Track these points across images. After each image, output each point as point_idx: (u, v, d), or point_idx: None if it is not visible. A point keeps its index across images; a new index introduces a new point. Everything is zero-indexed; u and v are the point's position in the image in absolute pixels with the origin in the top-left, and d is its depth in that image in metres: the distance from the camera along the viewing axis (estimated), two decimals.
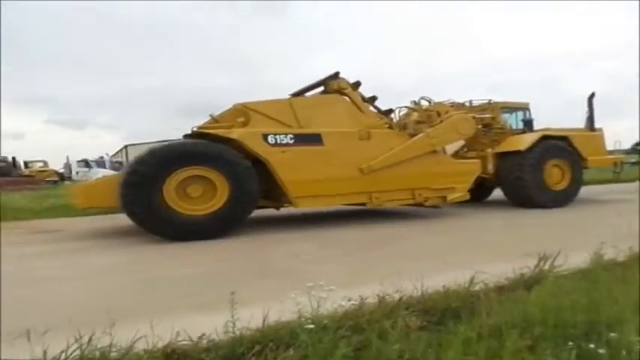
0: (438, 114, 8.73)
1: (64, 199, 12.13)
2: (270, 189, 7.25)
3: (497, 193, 10.51)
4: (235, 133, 6.77)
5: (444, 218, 8.23)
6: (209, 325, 2.33)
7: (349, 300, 2.64)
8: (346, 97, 7.93)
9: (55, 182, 26.91)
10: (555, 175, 9.65)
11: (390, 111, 8.84)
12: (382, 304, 2.63)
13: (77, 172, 31.48)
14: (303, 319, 2.22)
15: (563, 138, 9.95)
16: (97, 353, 2.06)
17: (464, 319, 2.34)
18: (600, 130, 10.77)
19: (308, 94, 8.49)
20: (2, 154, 28.77)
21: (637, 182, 13.33)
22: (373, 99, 8.47)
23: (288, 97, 8.07)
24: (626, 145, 21.05)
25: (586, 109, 10.70)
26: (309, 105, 7.73)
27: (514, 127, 10.99)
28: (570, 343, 1.93)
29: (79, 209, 10.01)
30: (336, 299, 2.61)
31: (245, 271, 4.50)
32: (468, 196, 8.54)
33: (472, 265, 3.24)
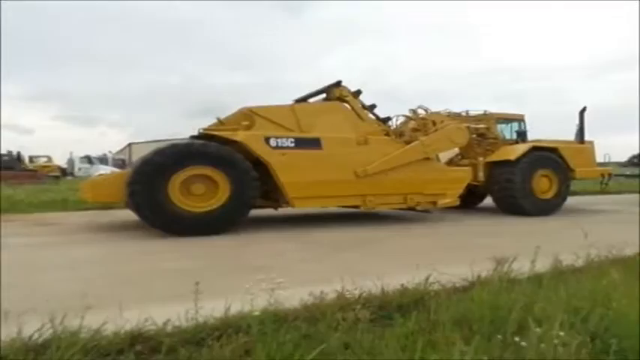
0: (434, 123, 9.04)
1: (62, 194, 12.40)
2: (270, 189, 7.55)
3: (489, 201, 10.69)
4: (239, 136, 7.10)
5: (427, 223, 8.43)
6: (180, 314, 2.49)
7: (310, 295, 2.83)
8: (347, 105, 8.25)
9: (57, 177, 27.21)
10: (543, 185, 9.89)
11: (388, 119, 9.15)
12: (341, 298, 2.82)
13: (79, 169, 31.89)
14: (258, 312, 2.39)
15: (553, 149, 10.17)
16: (69, 334, 2.25)
17: (412, 315, 2.51)
18: (591, 142, 11.01)
19: (311, 100, 8.80)
20: (11, 149, 29.28)
21: (623, 195, 13.49)
22: (372, 107, 8.79)
23: (292, 103, 8.39)
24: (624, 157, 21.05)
25: (576, 122, 10.92)
26: (310, 111, 8.07)
27: (509, 137, 11.21)
28: (499, 336, 2.11)
29: (75, 204, 10.30)
30: (303, 294, 2.81)
31: (224, 267, 4.69)
32: (457, 202, 8.80)
33: (438, 266, 3.39)
